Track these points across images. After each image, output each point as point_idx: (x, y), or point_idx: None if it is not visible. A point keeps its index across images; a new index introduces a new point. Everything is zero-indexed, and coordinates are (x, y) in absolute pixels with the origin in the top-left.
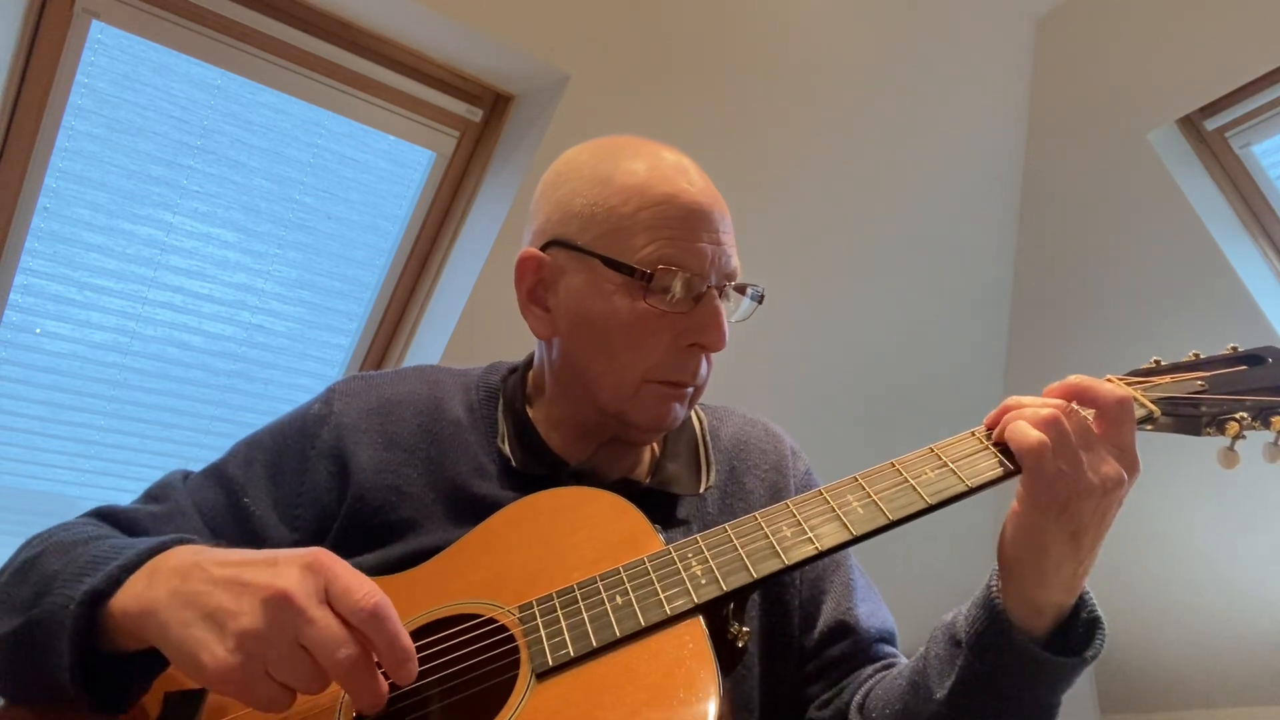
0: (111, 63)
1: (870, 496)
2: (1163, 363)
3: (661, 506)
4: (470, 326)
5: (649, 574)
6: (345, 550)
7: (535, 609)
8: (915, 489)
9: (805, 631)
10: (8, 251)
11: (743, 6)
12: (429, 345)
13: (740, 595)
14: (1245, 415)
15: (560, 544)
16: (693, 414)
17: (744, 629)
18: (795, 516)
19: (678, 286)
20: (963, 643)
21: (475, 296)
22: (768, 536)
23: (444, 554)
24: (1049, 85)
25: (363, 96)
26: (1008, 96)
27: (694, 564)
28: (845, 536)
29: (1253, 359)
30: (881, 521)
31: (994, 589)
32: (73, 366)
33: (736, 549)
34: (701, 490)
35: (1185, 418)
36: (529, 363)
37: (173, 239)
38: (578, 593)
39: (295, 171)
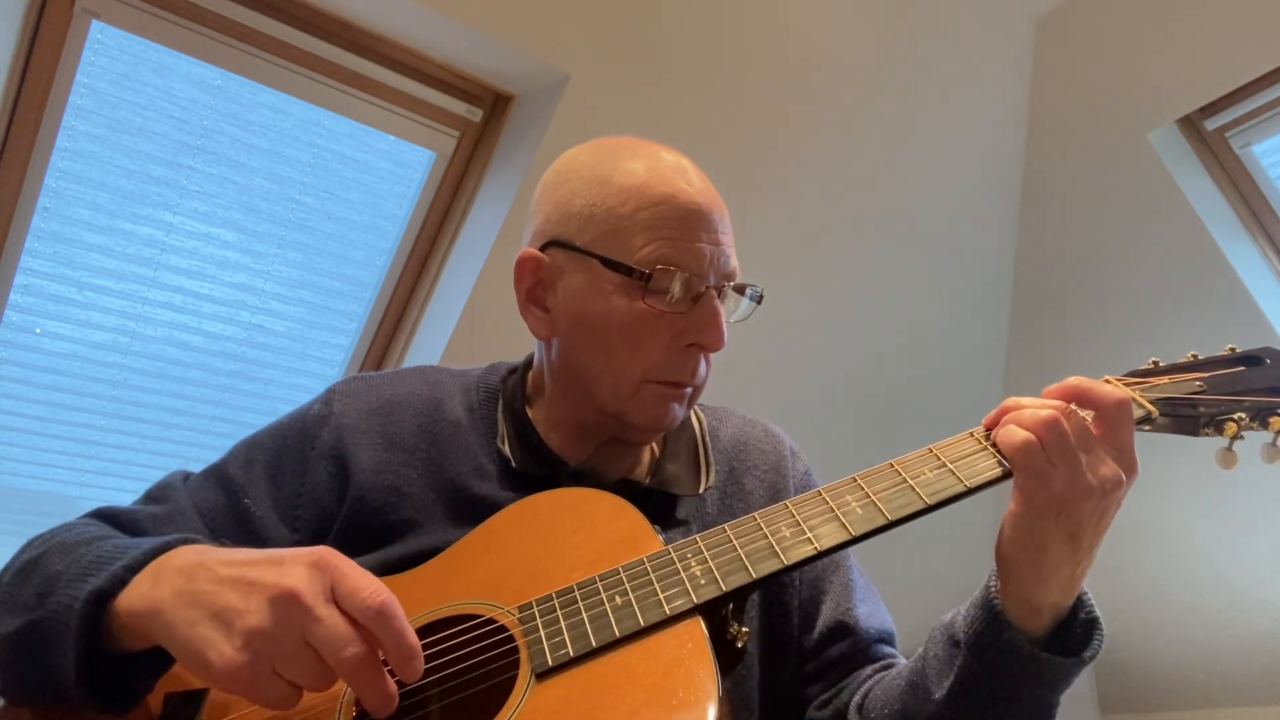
0: (111, 63)
1: (869, 497)
2: (1161, 364)
3: (661, 507)
4: (470, 326)
5: (648, 574)
6: (345, 551)
7: (535, 609)
8: (914, 489)
9: (804, 632)
10: (8, 251)
11: (743, 7)
12: (429, 345)
13: (739, 595)
14: (1243, 416)
15: (560, 544)
16: (692, 414)
17: (743, 629)
18: (794, 517)
19: (676, 287)
20: (961, 643)
21: (475, 296)
22: (767, 537)
23: (444, 554)
24: (1049, 85)
25: (363, 96)
26: (1008, 96)
27: (693, 564)
28: (844, 537)
29: (1251, 360)
30: (880, 522)
31: (992, 589)
32: (73, 366)
33: (736, 549)
34: (701, 491)
35: (1183, 418)
36: (529, 363)
37: (173, 239)
38: (577, 593)
39: (295, 171)
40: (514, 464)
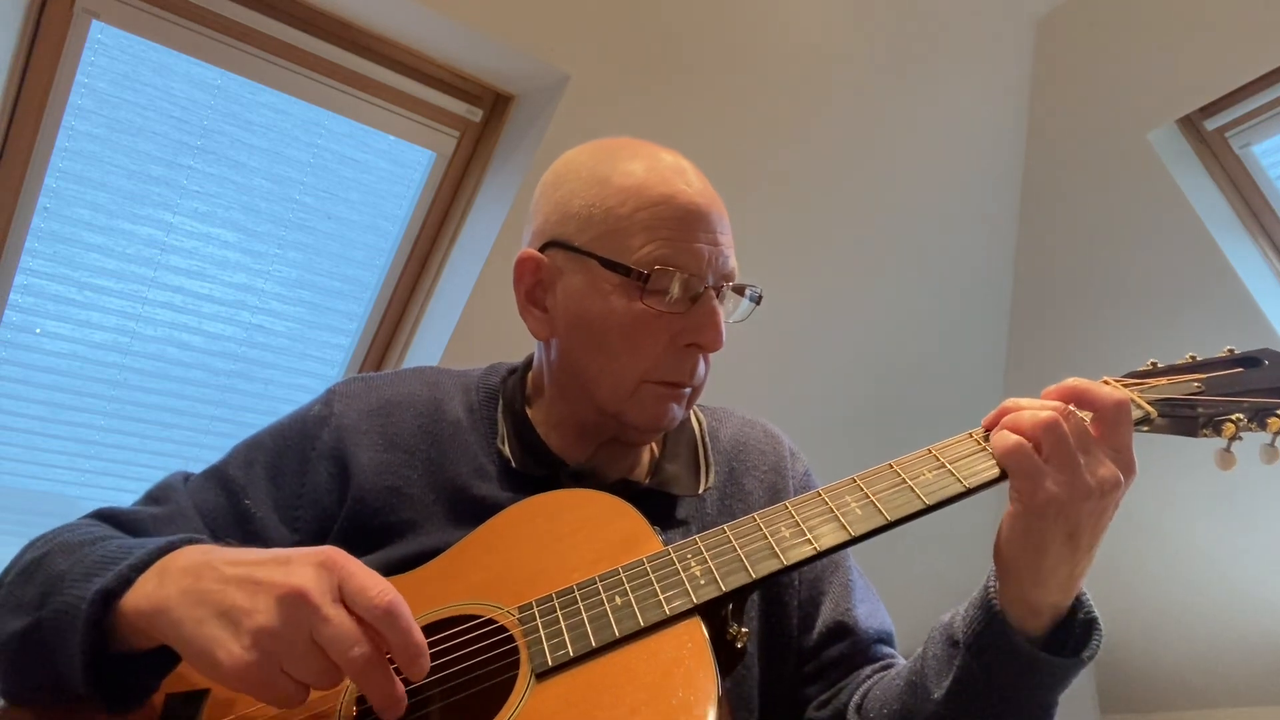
0: (111, 63)
1: (868, 497)
2: (1159, 365)
3: (660, 507)
4: (470, 327)
5: (648, 575)
6: (346, 552)
7: (535, 609)
8: (913, 490)
9: (804, 632)
10: (8, 251)
11: (743, 7)
12: (429, 346)
13: (739, 596)
14: (1241, 416)
15: (560, 545)
16: (692, 415)
17: (743, 629)
18: (794, 517)
19: (675, 287)
20: (960, 643)
21: (475, 297)
22: (766, 537)
23: (445, 555)
24: (1049, 85)
25: (363, 96)
26: (1008, 97)
27: (693, 564)
28: (843, 537)
29: (1249, 361)
30: (879, 522)
31: (991, 590)
32: (73, 366)
33: (735, 550)
34: (700, 491)
35: (1182, 419)
36: (528, 364)
37: (173, 239)
38: (577, 593)
39: (295, 171)
40: (514, 464)
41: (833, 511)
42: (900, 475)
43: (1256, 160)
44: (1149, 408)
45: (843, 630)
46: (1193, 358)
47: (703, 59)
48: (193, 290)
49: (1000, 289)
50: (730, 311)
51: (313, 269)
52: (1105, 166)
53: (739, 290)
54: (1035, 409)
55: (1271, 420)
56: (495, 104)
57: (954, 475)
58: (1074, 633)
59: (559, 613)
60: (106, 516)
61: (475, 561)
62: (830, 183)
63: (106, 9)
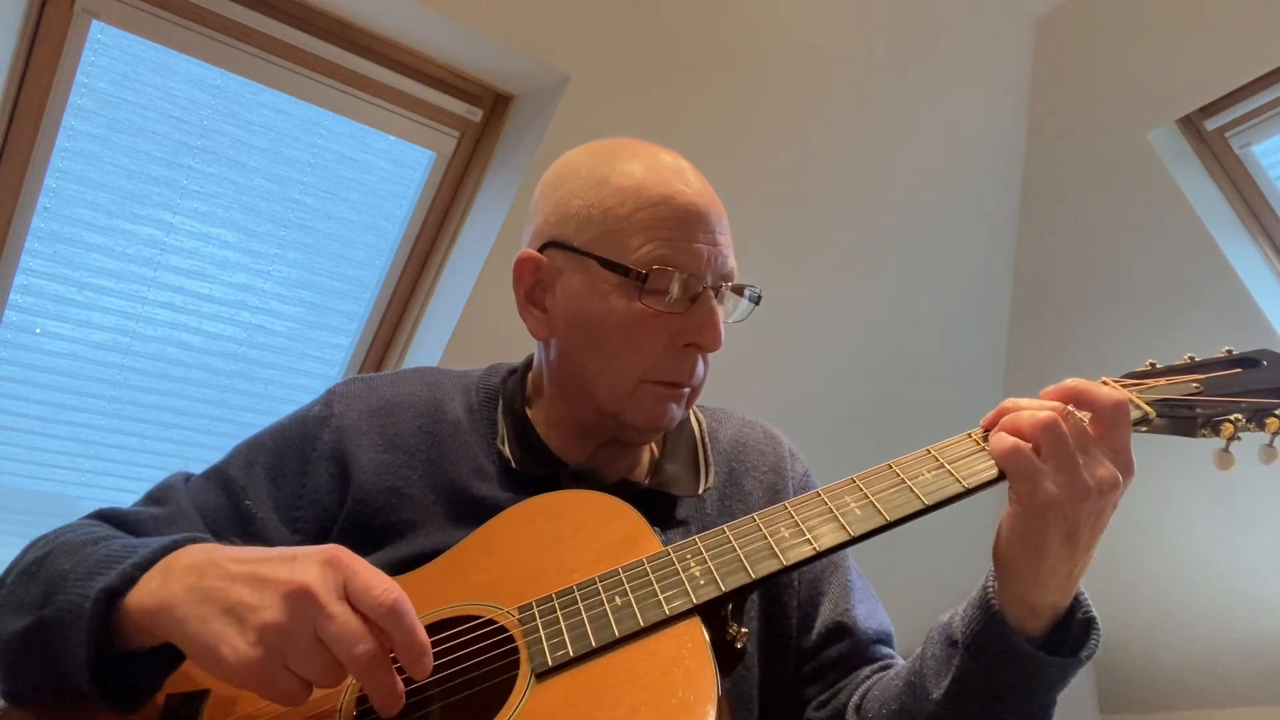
0: (111, 63)
1: (867, 498)
2: (1158, 365)
3: (660, 507)
4: (470, 327)
5: (647, 575)
6: None
7: (535, 610)
8: (912, 490)
9: (803, 632)
10: (8, 251)
11: (743, 7)
12: (429, 346)
13: (739, 596)
14: (1240, 417)
15: (559, 546)
16: (691, 415)
17: (742, 630)
18: (793, 517)
19: (674, 287)
20: (959, 643)
21: (475, 297)
22: (766, 537)
23: (446, 555)
24: (1049, 85)
25: (363, 96)
26: (1008, 97)
27: (692, 565)
28: (843, 537)
29: (1247, 361)
30: (879, 522)
31: (990, 590)
32: (73, 366)
33: (735, 550)
34: (700, 491)
35: (1180, 419)
36: (528, 364)
37: (173, 239)
38: (577, 594)
39: (295, 171)
40: (514, 464)
41: (832, 512)
42: (899, 475)
43: (1256, 160)
44: (1147, 408)
45: (842, 631)
46: (1191, 358)
47: (703, 59)
48: (193, 290)
49: (1000, 289)
50: (730, 312)
51: (313, 269)
52: (1105, 166)
53: (738, 290)
54: (1034, 409)
55: (1270, 420)
56: (495, 104)
57: (953, 475)
58: (1072, 632)
59: (559, 613)
60: (107, 517)
61: (475, 562)
62: (830, 183)
63: (106, 9)
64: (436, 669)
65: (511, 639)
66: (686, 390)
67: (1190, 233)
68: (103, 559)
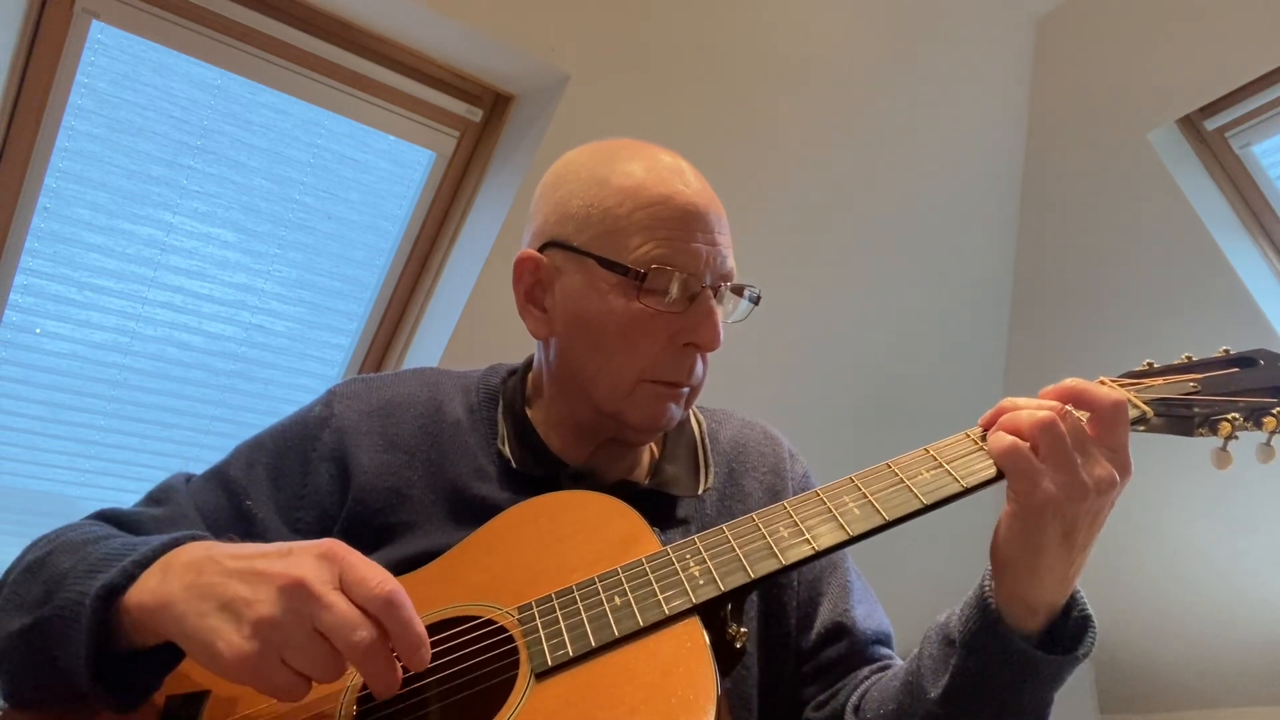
0: (111, 63)
1: (866, 497)
2: (1156, 365)
3: (660, 507)
4: (470, 327)
5: (647, 575)
6: None
7: (534, 610)
8: (911, 489)
9: (802, 632)
10: (8, 251)
11: (742, 7)
12: (429, 346)
13: (738, 596)
14: (1237, 416)
15: (559, 546)
16: (691, 416)
17: (742, 629)
18: (792, 517)
19: (673, 286)
20: (956, 642)
21: (475, 297)
22: (765, 537)
23: (446, 556)
24: (1049, 85)
25: (363, 96)
26: (1008, 97)
27: (692, 565)
28: (842, 537)
29: (1244, 361)
30: (878, 522)
31: (987, 589)
32: (73, 366)
33: (734, 550)
34: (700, 492)
35: (1178, 419)
36: (529, 364)
37: (173, 239)
38: (576, 594)
39: (295, 171)
40: (514, 465)
41: (831, 511)
42: (898, 475)
43: (1256, 160)
44: (1145, 407)
45: (841, 631)
46: (1189, 358)
47: (703, 59)
48: (193, 290)
49: (1000, 289)
50: (729, 312)
51: (313, 269)
52: (1105, 166)
53: (737, 290)
54: (1032, 409)
55: (1267, 419)
56: (495, 104)
57: (951, 475)
58: (1069, 630)
59: (558, 613)
60: (108, 517)
61: (475, 562)
62: (830, 183)
63: (106, 9)
64: (436, 669)
65: (511, 639)
66: (685, 390)
67: (1190, 233)
68: (103, 557)
